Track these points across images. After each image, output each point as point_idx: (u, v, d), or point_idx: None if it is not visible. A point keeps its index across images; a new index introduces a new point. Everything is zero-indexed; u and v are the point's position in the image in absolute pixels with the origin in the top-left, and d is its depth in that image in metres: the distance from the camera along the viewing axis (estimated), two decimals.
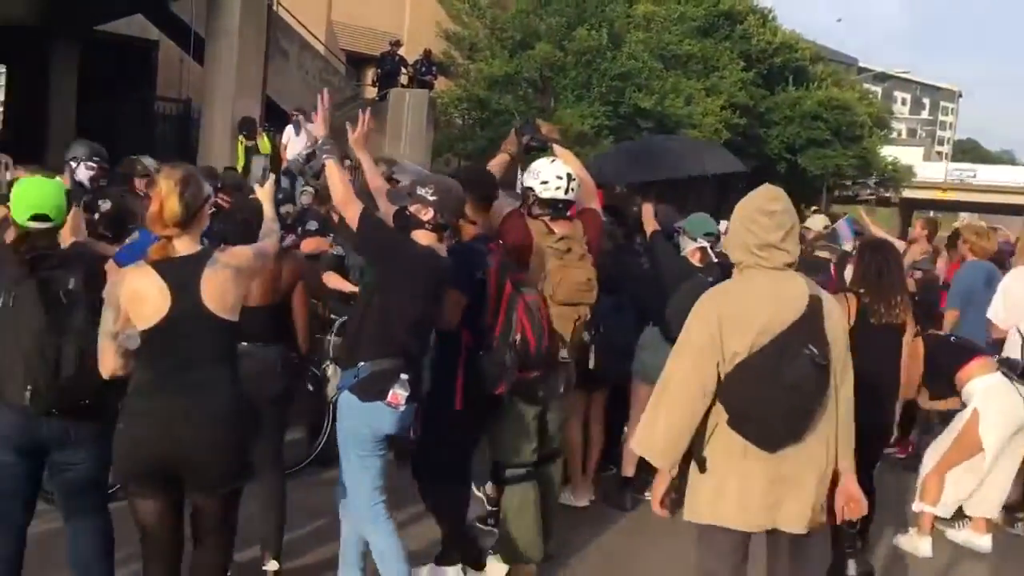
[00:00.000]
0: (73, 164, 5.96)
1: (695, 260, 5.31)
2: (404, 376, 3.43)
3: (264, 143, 13.50)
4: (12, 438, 3.17)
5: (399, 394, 3.40)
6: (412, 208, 3.62)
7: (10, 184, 7.24)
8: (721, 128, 21.40)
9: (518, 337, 3.88)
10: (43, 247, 3.18)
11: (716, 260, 5.29)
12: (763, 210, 2.94)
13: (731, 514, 2.96)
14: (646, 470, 4.82)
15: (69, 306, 3.13)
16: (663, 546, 4.80)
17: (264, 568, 4.04)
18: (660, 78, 20.62)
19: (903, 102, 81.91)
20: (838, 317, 3.05)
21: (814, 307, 2.91)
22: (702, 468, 2.98)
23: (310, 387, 5.20)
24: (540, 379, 4.09)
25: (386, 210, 3.87)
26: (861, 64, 53.03)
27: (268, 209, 3.61)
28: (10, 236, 3.25)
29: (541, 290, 4.18)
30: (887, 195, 36.05)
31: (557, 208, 4.34)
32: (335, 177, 3.53)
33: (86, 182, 5.87)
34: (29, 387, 3.07)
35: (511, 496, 4.20)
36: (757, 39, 24.33)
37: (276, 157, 13.65)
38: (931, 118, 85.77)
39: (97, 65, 18.70)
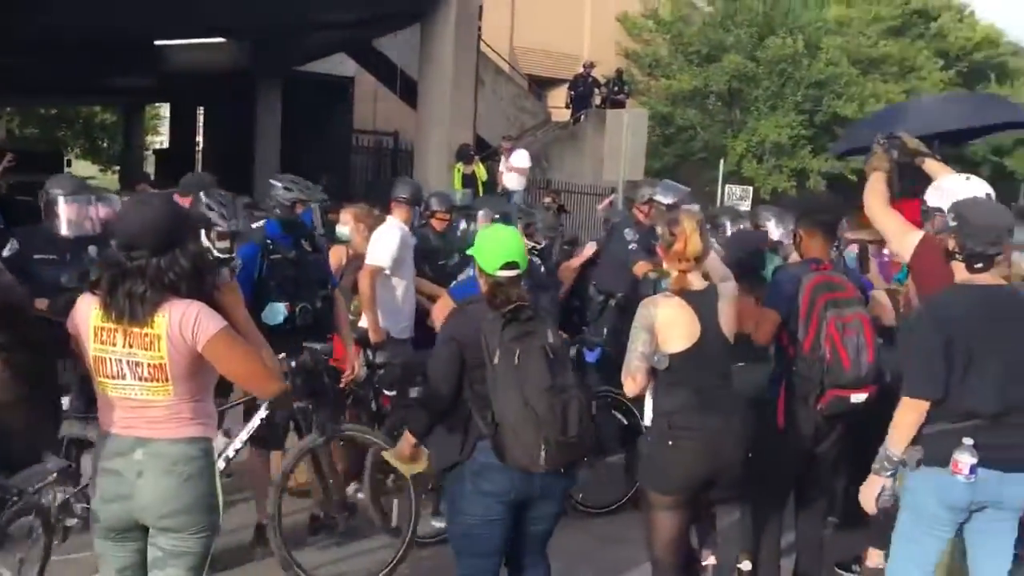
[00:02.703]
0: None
1: None
2: (969, 440, 3.01)
3: (480, 170, 13.63)
4: (510, 493, 3.16)
5: (961, 461, 3.00)
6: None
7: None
8: None
9: (828, 352, 3.71)
10: (515, 297, 3.10)
11: None
12: None
13: None
14: None
15: (558, 361, 3.06)
16: None
17: (738, 567, 4.12)
18: (858, 84, 19.74)
19: None
20: None
21: None
22: None
23: None
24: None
25: None
26: None
27: (714, 256, 3.60)
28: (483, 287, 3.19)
29: None
30: None
31: None
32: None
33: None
34: (543, 447, 3.01)
35: None
36: (954, 36, 22.99)
37: (492, 183, 13.77)
38: None
39: (297, 102, 19.51)
